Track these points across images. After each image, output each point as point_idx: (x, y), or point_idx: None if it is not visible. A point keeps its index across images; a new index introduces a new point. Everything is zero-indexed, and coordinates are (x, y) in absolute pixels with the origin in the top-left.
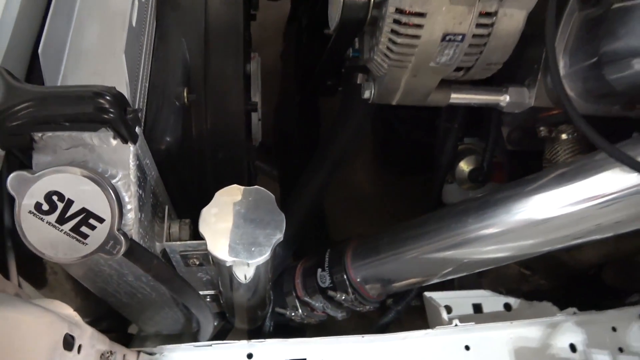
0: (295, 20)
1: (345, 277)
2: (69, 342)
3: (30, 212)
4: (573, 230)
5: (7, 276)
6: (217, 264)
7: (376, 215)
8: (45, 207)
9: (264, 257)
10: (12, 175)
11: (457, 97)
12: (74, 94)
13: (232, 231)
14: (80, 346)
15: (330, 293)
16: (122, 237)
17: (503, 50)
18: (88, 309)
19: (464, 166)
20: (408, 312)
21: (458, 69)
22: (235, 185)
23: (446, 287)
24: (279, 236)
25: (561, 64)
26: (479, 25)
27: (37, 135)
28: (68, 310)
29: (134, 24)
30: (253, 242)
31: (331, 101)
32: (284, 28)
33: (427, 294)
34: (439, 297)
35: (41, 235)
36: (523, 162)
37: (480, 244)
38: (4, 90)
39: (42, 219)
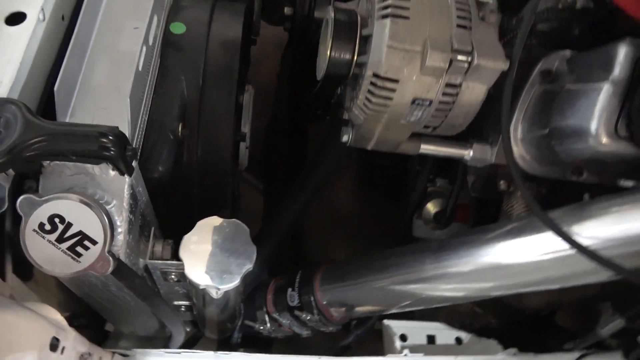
0: (290, 50)
1: (312, 298)
2: (54, 345)
3: (34, 230)
4: (517, 279)
5: (3, 278)
6: (191, 283)
7: (355, 236)
8: (48, 227)
9: (233, 284)
10: (22, 197)
11: (427, 148)
12: (82, 133)
13: (207, 258)
14: (63, 348)
15: (297, 312)
16: (111, 258)
17: (465, 116)
18: (69, 304)
19: (431, 207)
20: (372, 334)
21: (426, 127)
22: (215, 217)
23: (407, 316)
24: (249, 266)
25: (519, 129)
26: (444, 94)
27: (46, 163)
28: (56, 316)
29: (140, 69)
30: (225, 270)
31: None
32: (283, 50)
33: (385, 321)
34: (396, 326)
35: (42, 251)
36: (485, 206)
37: (435, 283)
38: (22, 124)
39: (43, 237)
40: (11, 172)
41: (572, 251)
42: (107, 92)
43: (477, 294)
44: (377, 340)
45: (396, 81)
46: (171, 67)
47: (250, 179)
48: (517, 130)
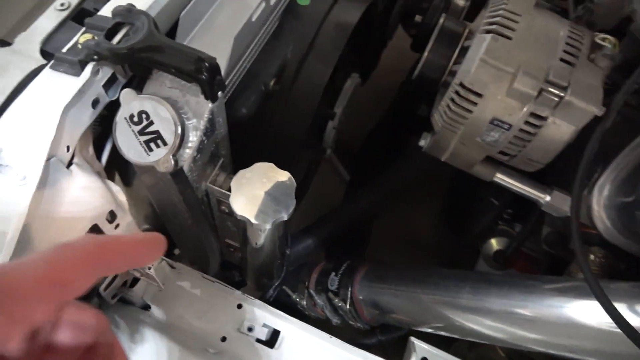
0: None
1: (349, 289)
2: (112, 217)
3: (125, 118)
4: (553, 338)
5: (99, 158)
6: (231, 211)
7: (416, 260)
8: (136, 119)
9: (266, 224)
10: (125, 89)
11: (501, 178)
12: (185, 53)
13: (251, 195)
14: (118, 225)
15: (331, 296)
16: (173, 162)
17: (544, 153)
18: (152, 220)
19: (494, 243)
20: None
21: (503, 153)
22: (272, 164)
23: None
24: (283, 215)
25: (606, 189)
26: (527, 123)
27: (154, 70)
28: (122, 198)
29: (253, 20)
30: (263, 210)
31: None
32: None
33: (412, 338)
34: (421, 347)
35: (125, 137)
36: (556, 266)
37: (468, 313)
38: (146, 32)
39: (129, 126)
40: (129, 72)
41: (618, 329)
42: (222, 33)
43: (507, 340)
44: (400, 350)
45: (480, 95)
46: (285, 31)
47: (339, 166)
48: (603, 190)
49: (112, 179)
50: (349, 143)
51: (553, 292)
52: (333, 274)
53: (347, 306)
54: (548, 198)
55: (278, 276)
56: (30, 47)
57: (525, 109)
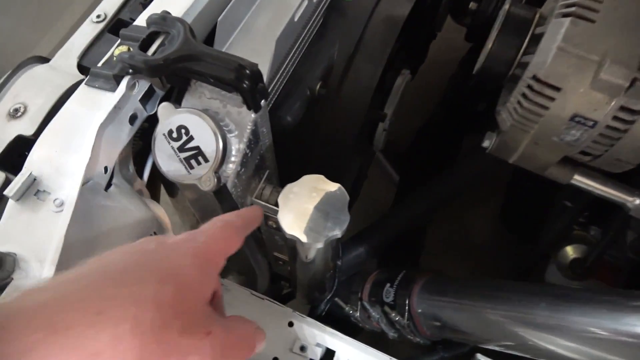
0: (471, 53)
1: (407, 302)
2: None
3: (163, 134)
4: None
5: (141, 175)
6: (280, 229)
7: (476, 266)
8: (175, 135)
9: (316, 243)
10: (163, 103)
11: (580, 180)
12: (224, 61)
13: (301, 211)
14: None
15: (387, 309)
16: (215, 179)
17: (636, 153)
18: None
19: (570, 251)
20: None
21: (584, 153)
22: (321, 176)
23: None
24: (337, 232)
25: None
26: (615, 119)
27: (193, 81)
28: (165, 219)
29: (295, 20)
30: (313, 228)
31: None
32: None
33: (479, 355)
34: None
35: (164, 154)
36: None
37: (544, 332)
38: (182, 41)
39: (169, 143)
40: (167, 84)
41: None
42: (262, 37)
43: None
44: None
45: (557, 89)
46: (330, 29)
47: (387, 167)
48: None
49: (156, 189)
50: (396, 141)
51: None
52: (388, 285)
53: (405, 320)
54: (638, 201)
55: (330, 289)
56: (68, 62)
57: (613, 103)
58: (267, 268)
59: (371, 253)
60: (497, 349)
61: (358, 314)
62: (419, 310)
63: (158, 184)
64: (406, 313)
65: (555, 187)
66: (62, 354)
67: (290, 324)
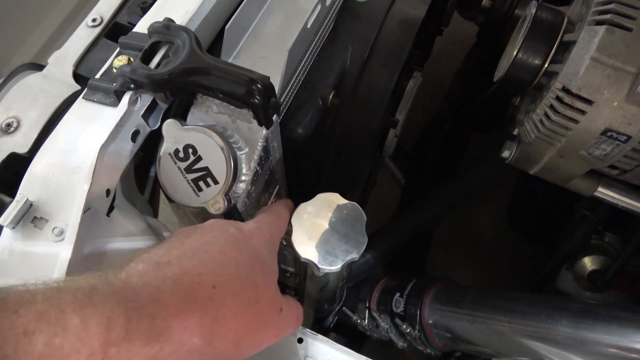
0: (478, 48)
1: (418, 312)
2: None
3: (169, 154)
4: None
5: (142, 190)
6: (294, 252)
7: (484, 265)
8: (181, 154)
9: (334, 267)
10: (168, 120)
11: (604, 193)
12: (234, 74)
13: (316, 233)
14: None
15: (397, 321)
16: (226, 202)
17: None
18: None
19: (588, 263)
20: None
21: (612, 167)
22: (337, 194)
23: None
24: (355, 256)
25: None
26: None
27: (199, 95)
28: (167, 233)
29: (308, 26)
30: (330, 252)
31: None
32: (469, 49)
33: None
34: None
35: (170, 176)
36: None
37: (566, 351)
38: (188, 52)
39: (175, 163)
40: (170, 97)
41: None
42: (272, 43)
43: None
44: None
45: (589, 102)
46: (342, 33)
47: (393, 169)
48: None
49: (155, 191)
50: (401, 139)
51: None
52: (398, 294)
53: (416, 332)
54: None
55: (340, 300)
56: (63, 70)
57: None
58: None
59: (379, 259)
60: None
61: (366, 322)
62: (430, 321)
63: (158, 191)
64: (417, 324)
65: (568, 193)
66: (195, 320)
67: (300, 340)
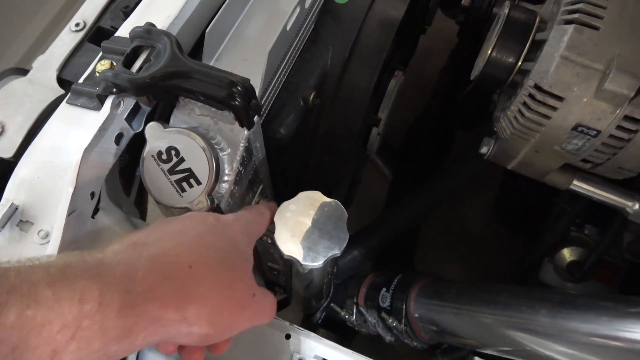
0: (461, 46)
1: (404, 306)
2: None
3: (152, 156)
4: None
5: (128, 194)
6: (277, 250)
7: (472, 259)
8: (164, 156)
9: (315, 264)
10: (151, 123)
11: (579, 186)
12: (215, 77)
13: (298, 230)
14: None
15: (384, 315)
16: (209, 202)
17: (639, 161)
18: None
19: (567, 254)
20: None
21: (585, 161)
22: (319, 192)
23: None
24: (336, 252)
25: None
26: (619, 128)
27: (181, 98)
28: None
29: (287, 29)
30: (311, 248)
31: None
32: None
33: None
34: None
35: (154, 178)
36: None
37: (545, 340)
38: (169, 56)
39: (158, 165)
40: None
41: None
42: (254, 46)
43: None
44: None
45: (560, 99)
46: (323, 35)
47: (380, 165)
48: None
49: (145, 196)
50: (388, 136)
51: None
52: (384, 289)
53: (402, 325)
54: (637, 206)
55: (327, 296)
56: (47, 75)
57: (618, 113)
58: (263, 283)
59: (367, 256)
60: (495, 354)
61: (354, 318)
62: (416, 315)
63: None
64: (403, 318)
65: (550, 187)
66: (170, 295)
67: (288, 337)
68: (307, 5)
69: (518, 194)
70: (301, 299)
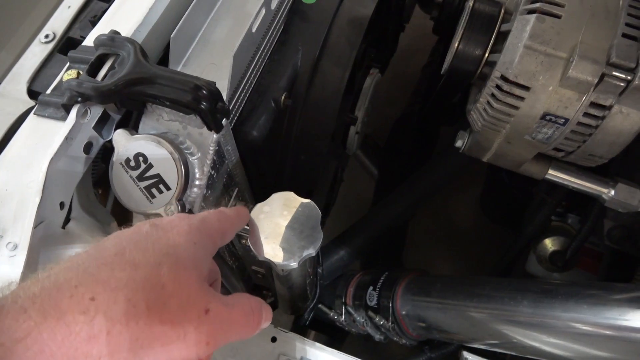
0: (439, 43)
1: (391, 304)
2: None
3: (121, 163)
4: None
5: (104, 203)
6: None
7: (461, 254)
8: (132, 163)
9: (292, 264)
10: (118, 131)
11: (555, 175)
12: (179, 82)
13: (272, 232)
14: None
15: (371, 314)
16: (179, 207)
17: (610, 147)
18: None
19: (549, 244)
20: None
21: (557, 150)
22: (292, 193)
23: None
24: (311, 251)
25: None
26: (586, 115)
27: (149, 104)
28: None
29: (253, 31)
30: (286, 249)
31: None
32: (434, 44)
33: (465, 353)
34: None
35: (123, 185)
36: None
37: (529, 330)
38: (132, 63)
39: (127, 172)
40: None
41: None
42: (222, 49)
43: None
44: None
45: (527, 88)
46: (292, 35)
47: (366, 163)
48: None
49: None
50: (373, 134)
51: (630, 303)
52: (371, 287)
53: (390, 323)
54: (612, 193)
55: (312, 296)
56: (18, 87)
57: (584, 100)
58: (243, 288)
59: (354, 255)
60: (483, 347)
61: (343, 318)
62: (404, 312)
63: None
64: (390, 316)
65: (531, 179)
66: (55, 341)
67: (274, 339)
68: (273, 6)
69: (502, 187)
70: (286, 301)
